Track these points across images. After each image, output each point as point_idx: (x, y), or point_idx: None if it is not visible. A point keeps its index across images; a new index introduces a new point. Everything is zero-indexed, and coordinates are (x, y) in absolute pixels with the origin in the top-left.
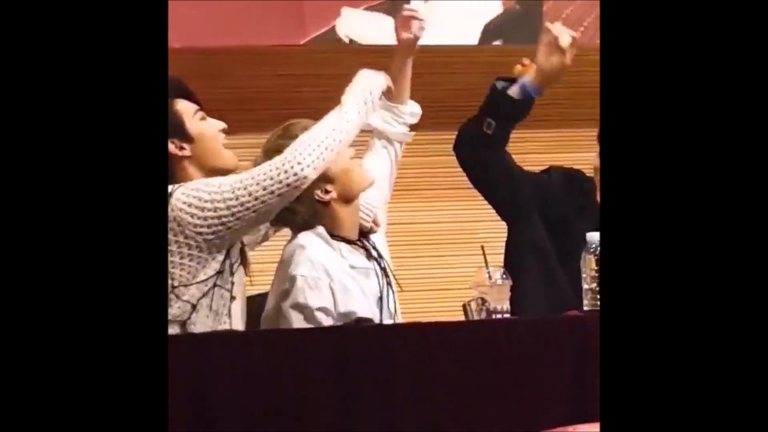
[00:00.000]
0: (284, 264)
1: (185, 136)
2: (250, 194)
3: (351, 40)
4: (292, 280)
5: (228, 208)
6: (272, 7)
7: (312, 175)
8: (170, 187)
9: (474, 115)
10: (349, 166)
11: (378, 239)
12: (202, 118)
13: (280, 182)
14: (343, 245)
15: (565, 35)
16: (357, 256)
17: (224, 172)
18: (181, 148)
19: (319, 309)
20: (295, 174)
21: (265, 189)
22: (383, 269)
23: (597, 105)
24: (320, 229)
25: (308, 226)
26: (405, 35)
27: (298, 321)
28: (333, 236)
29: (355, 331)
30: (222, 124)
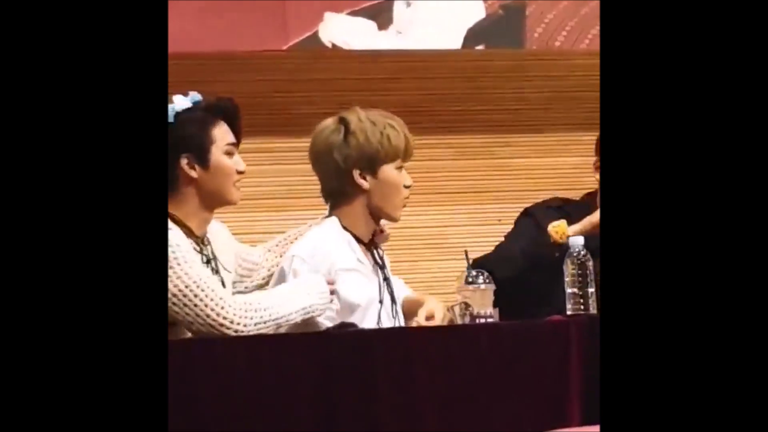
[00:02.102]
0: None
1: (203, 161)
2: (193, 298)
3: (334, 45)
4: (290, 258)
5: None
6: (254, 12)
7: (245, 331)
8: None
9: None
10: (395, 180)
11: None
12: (228, 153)
13: (207, 316)
14: (353, 240)
15: None
16: (365, 257)
17: (222, 204)
18: (192, 169)
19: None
20: (234, 330)
21: (199, 314)
22: (387, 281)
23: (578, 109)
24: (334, 219)
25: (336, 196)
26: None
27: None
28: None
29: (338, 336)
30: (242, 167)
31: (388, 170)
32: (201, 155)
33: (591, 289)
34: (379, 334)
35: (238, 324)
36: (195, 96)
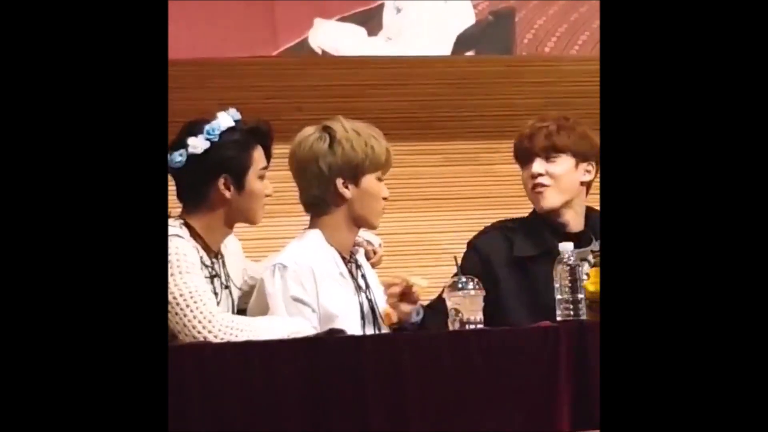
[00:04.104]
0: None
1: (239, 184)
2: (185, 308)
3: (323, 51)
4: (272, 268)
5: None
6: (244, 18)
7: (215, 339)
8: (178, 228)
9: None
10: (376, 190)
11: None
12: (261, 177)
13: (194, 327)
14: (337, 255)
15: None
16: (348, 273)
17: (245, 222)
18: (227, 190)
19: (296, 299)
20: (209, 336)
21: (186, 325)
22: (369, 301)
23: (568, 115)
24: (317, 232)
25: (318, 205)
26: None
27: (275, 307)
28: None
29: (327, 342)
30: (270, 190)
31: (369, 180)
32: (238, 178)
33: (581, 295)
34: (368, 340)
35: (221, 340)
36: (234, 113)
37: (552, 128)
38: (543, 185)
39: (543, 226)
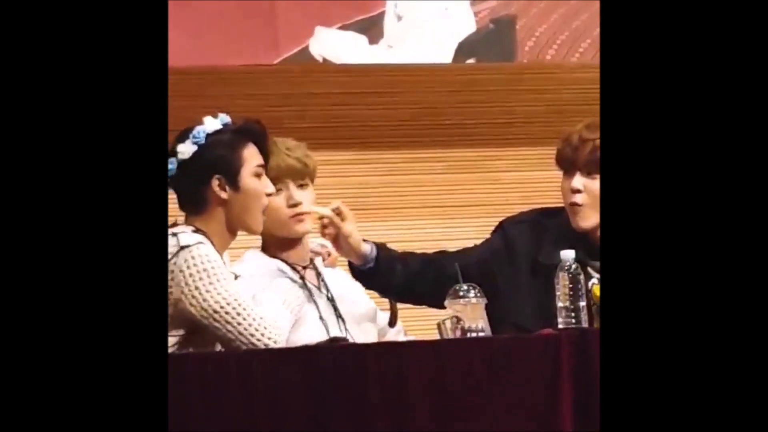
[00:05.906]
0: None
1: (233, 183)
2: (236, 316)
3: (325, 59)
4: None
5: (209, 306)
6: (245, 26)
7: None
8: (188, 238)
9: None
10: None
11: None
12: (257, 175)
13: (251, 335)
14: (285, 267)
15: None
16: (297, 287)
17: (245, 229)
18: (223, 190)
19: None
20: (263, 340)
21: (242, 333)
22: (331, 301)
23: (569, 122)
24: (252, 253)
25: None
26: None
27: None
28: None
29: (329, 350)
30: (271, 188)
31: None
32: (232, 177)
33: (582, 303)
34: (370, 348)
35: (276, 343)
36: (224, 117)
37: (599, 143)
38: (579, 203)
39: (575, 237)
